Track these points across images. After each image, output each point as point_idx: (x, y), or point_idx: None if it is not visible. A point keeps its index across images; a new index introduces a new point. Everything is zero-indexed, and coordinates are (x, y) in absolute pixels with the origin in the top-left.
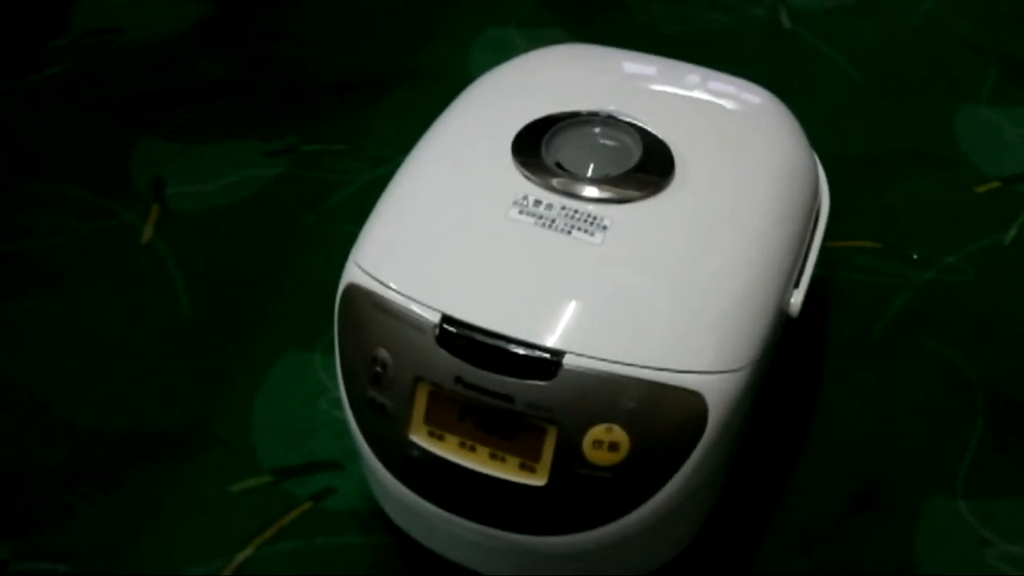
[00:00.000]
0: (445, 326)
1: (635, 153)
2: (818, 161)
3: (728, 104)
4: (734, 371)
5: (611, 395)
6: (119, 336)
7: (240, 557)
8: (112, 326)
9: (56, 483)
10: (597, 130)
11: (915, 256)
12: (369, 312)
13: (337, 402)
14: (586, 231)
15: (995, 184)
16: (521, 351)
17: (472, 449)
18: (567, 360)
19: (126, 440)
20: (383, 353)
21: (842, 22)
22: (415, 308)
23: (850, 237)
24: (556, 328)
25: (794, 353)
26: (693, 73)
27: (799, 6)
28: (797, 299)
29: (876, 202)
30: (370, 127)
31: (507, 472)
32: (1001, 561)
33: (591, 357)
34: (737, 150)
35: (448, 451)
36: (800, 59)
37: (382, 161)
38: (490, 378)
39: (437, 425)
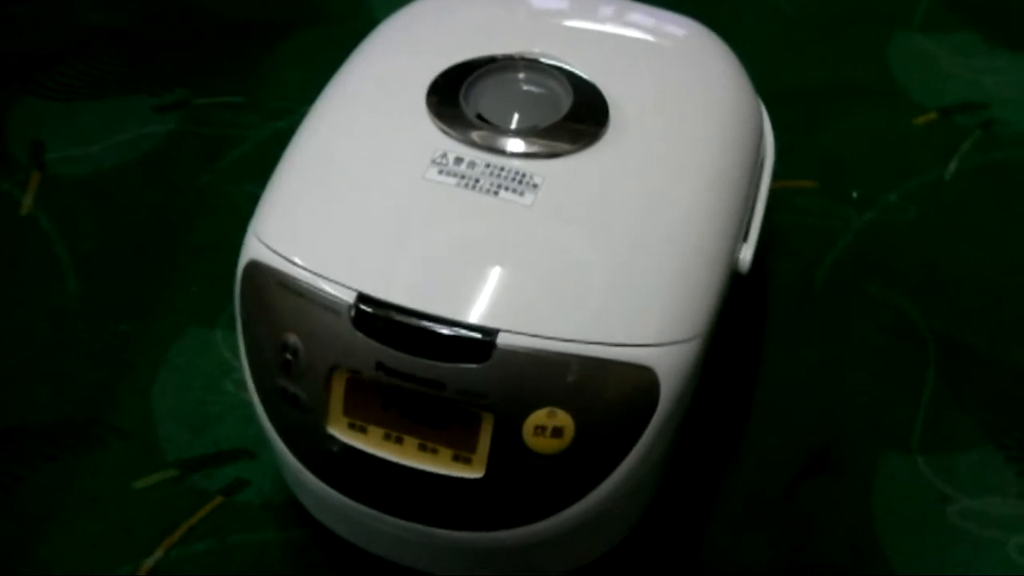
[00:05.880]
0: (362, 306)
1: (565, 101)
2: (761, 103)
3: (663, 42)
4: (686, 341)
5: (552, 376)
6: (0, 321)
7: (149, 562)
8: None
9: None
10: (521, 76)
11: (855, 195)
12: (275, 293)
13: (244, 383)
14: (515, 191)
15: (933, 115)
16: (449, 331)
17: (399, 441)
18: (501, 339)
19: (16, 437)
20: (293, 339)
21: None
22: (327, 287)
23: (787, 177)
24: (487, 304)
25: (734, 311)
26: (619, 7)
27: None
28: (747, 254)
29: (811, 139)
30: (266, 77)
31: (439, 465)
32: (963, 518)
33: (528, 335)
34: (676, 94)
35: (372, 445)
36: None
37: (282, 113)
38: (416, 363)
39: (358, 416)
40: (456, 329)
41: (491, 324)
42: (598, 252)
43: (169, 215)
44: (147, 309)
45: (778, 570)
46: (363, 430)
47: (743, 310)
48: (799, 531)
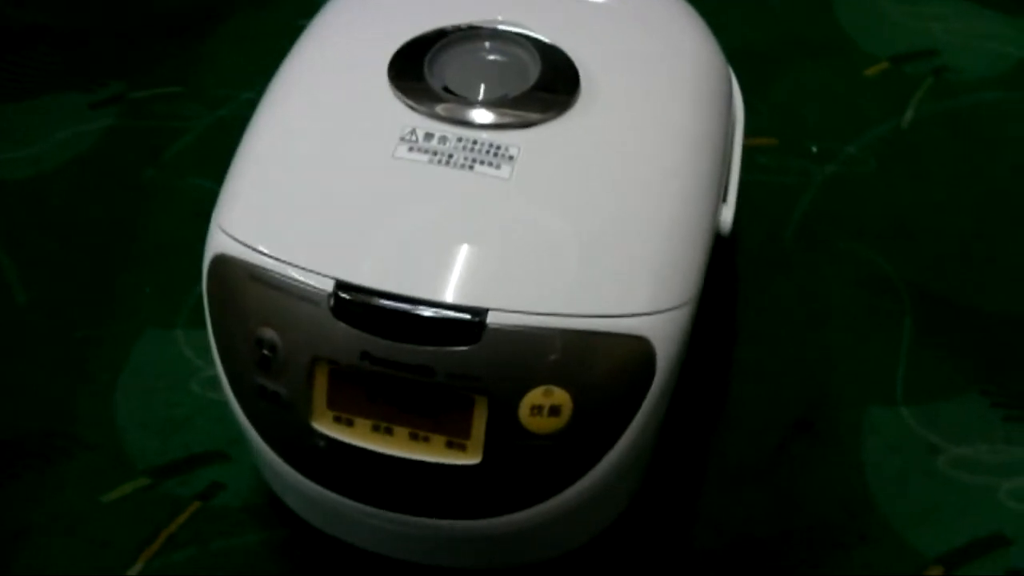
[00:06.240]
0: (341, 294)
1: (533, 68)
2: (727, 61)
3: (625, 5)
4: (678, 308)
5: (546, 353)
6: None
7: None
8: None
9: None
10: (486, 45)
11: (814, 149)
12: (246, 287)
13: (211, 382)
14: (491, 164)
15: (884, 65)
16: (436, 314)
17: (388, 432)
18: (491, 318)
19: None
20: (270, 333)
21: None
22: (302, 277)
23: (746, 135)
24: (474, 283)
25: (710, 274)
26: None
27: None
28: (727, 215)
29: (766, 96)
30: (206, 63)
31: (432, 454)
32: (953, 466)
33: (519, 312)
34: (645, 56)
35: (360, 438)
36: None
37: (224, 101)
38: (403, 349)
39: (344, 409)
40: (443, 311)
41: (480, 304)
42: (583, 222)
43: (115, 214)
44: (102, 313)
45: (773, 533)
46: (350, 423)
47: (717, 273)
48: (791, 493)
